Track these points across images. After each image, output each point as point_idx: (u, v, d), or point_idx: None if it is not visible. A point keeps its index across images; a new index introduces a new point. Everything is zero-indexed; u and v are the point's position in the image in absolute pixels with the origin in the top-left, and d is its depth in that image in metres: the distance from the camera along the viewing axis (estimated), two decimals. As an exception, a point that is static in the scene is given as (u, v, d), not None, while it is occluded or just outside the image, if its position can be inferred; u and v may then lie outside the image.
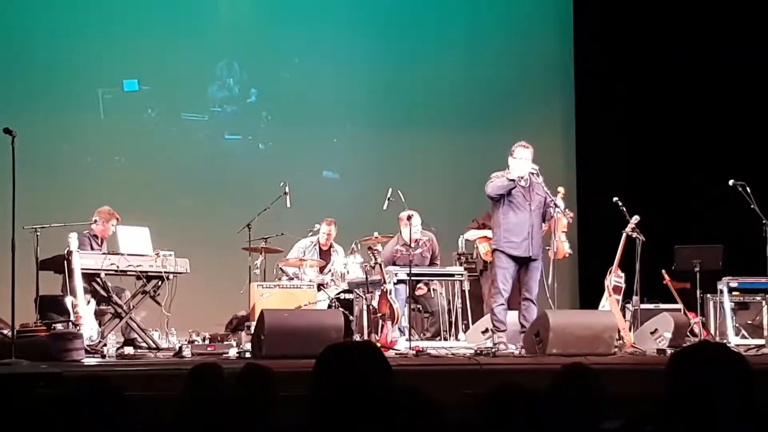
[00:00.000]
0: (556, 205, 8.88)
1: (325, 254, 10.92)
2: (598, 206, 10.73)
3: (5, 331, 7.90)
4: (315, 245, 10.89)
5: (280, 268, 10.56)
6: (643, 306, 10.21)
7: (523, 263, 8.79)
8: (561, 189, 9.21)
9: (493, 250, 8.99)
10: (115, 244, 9.45)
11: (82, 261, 8.69)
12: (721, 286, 10.40)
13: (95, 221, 9.65)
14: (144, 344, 9.07)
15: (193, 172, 12.94)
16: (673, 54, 13.21)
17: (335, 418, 2.89)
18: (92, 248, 9.46)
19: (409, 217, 10.06)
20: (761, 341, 9.75)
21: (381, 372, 2.95)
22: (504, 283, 8.76)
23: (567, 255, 9.13)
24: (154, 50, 12.82)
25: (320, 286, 10.31)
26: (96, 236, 9.66)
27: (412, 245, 10.14)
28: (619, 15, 13.44)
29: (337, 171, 13.53)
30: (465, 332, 10.18)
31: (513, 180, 8.68)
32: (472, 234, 10.87)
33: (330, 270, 10.76)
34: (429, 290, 10.62)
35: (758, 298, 10.64)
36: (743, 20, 12.95)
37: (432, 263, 10.64)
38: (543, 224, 8.99)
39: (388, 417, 2.90)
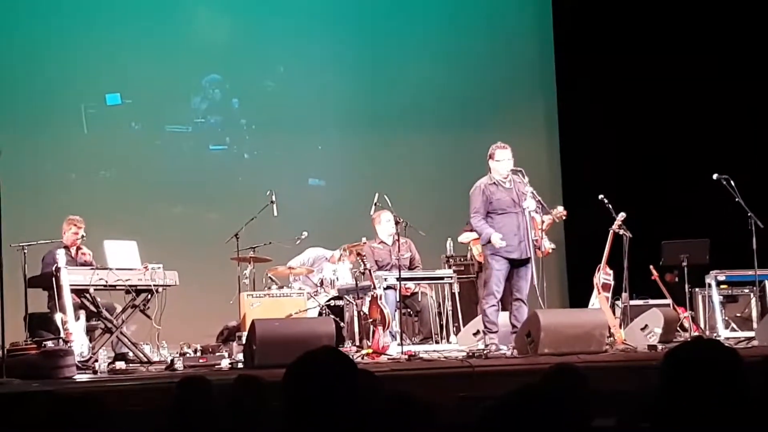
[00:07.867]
0: (541, 204, 8.88)
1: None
2: (584, 204, 10.74)
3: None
4: (326, 260, 10.88)
5: (270, 277, 10.54)
6: (632, 302, 10.24)
7: (516, 264, 8.78)
8: (560, 210, 9.23)
9: (488, 254, 8.90)
10: (103, 259, 9.41)
11: (70, 277, 8.64)
12: (709, 279, 10.45)
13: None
14: (135, 358, 9.04)
15: (178, 184, 12.91)
16: (655, 49, 13.26)
17: (309, 427, 2.88)
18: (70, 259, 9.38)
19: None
20: (750, 333, 9.78)
21: (346, 373, 2.94)
22: (498, 285, 8.73)
23: (550, 251, 9.11)
24: (136, 63, 12.78)
25: (311, 294, 10.30)
26: (68, 247, 9.57)
27: (388, 241, 10.27)
28: (598, 12, 13.48)
29: (323, 178, 13.52)
30: (456, 335, 10.19)
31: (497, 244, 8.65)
32: (466, 237, 10.83)
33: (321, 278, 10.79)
34: (418, 293, 10.58)
35: (746, 291, 10.68)
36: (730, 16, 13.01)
37: (412, 267, 10.63)
38: (544, 219, 8.96)
39: (380, 423, 2.90)
